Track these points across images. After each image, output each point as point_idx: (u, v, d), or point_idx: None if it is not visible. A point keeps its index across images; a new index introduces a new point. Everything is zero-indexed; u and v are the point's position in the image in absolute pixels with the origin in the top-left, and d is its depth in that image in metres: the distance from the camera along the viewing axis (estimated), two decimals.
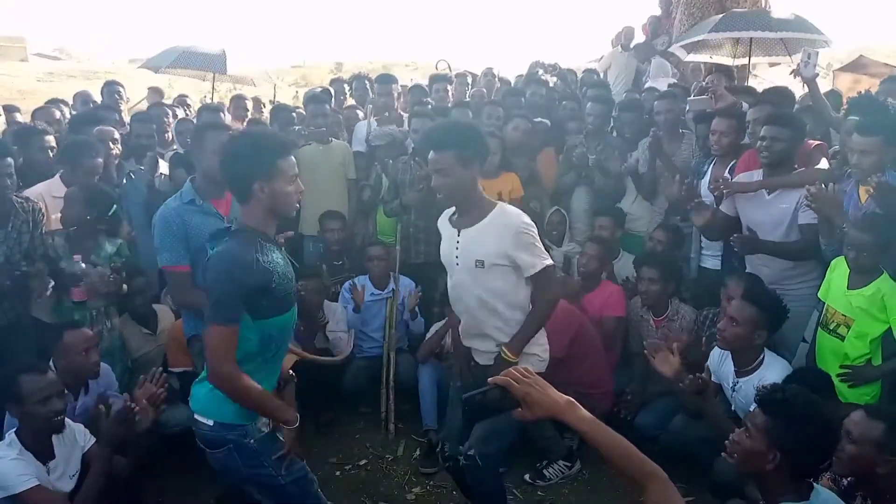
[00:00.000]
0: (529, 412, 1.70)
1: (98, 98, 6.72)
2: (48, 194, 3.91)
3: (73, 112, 6.05)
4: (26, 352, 3.45)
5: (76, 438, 2.96)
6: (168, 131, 5.79)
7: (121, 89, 6.45)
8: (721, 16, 6.37)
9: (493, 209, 2.83)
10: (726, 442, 2.20)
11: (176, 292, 3.40)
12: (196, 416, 2.46)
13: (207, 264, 2.34)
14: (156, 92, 8.14)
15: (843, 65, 10.84)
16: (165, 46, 7.66)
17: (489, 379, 1.78)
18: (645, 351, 3.38)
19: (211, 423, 2.42)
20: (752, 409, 2.23)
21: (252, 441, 2.44)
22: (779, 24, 5.73)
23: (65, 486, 2.81)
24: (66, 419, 2.91)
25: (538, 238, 2.84)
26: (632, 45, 8.66)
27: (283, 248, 2.57)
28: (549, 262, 2.85)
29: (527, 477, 3.82)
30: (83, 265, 3.52)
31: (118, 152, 4.53)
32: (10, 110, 6.83)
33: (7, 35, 28.26)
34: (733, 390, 3.33)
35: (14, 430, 2.78)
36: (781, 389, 2.10)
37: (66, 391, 2.95)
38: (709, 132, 4.24)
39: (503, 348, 2.84)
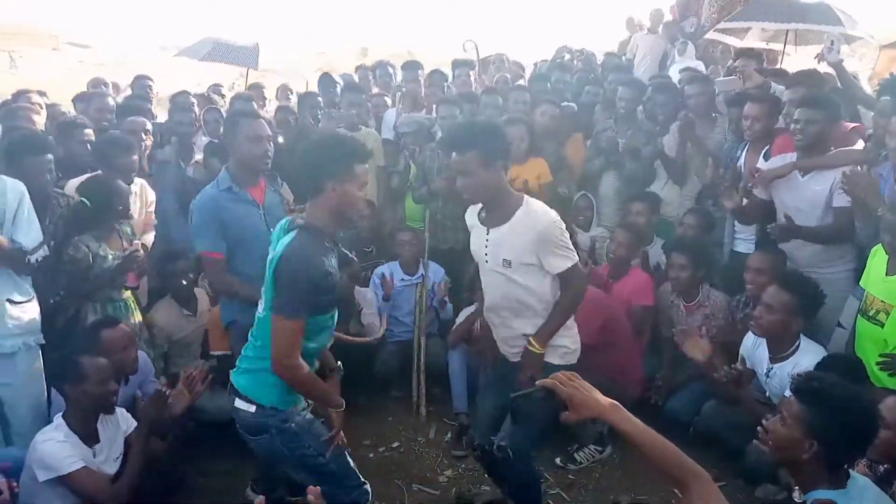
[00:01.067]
0: (575, 414, 1.74)
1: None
2: None
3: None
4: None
5: (119, 423, 3.06)
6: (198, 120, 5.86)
7: (151, 83, 6.56)
8: (757, 3, 6.18)
9: (520, 207, 2.82)
10: (759, 429, 2.21)
11: (212, 278, 3.46)
12: (237, 405, 2.53)
13: (279, 259, 2.37)
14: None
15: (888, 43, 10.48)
16: (194, 33, 7.75)
17: (536, 382, 1.83)
18: (675, 339, 3.38)
19: (253, 409, 2.49)
20: (786, 396, 2.22)
21: (293, 425, 2.52)
22: (818, 16, 5.55)
23: (109, 468, 2.91)
24: None
25: (565, 234, 2.83)
26: (660, 28, 8.54)
27: (337, 247, 2.62)
28: (575, 258, 2.85)
29: (558, 460, 3.85)
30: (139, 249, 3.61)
31: (150, 143, 4.60)
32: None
33: (39, 25, 28.70)
34: (767, 376, 3.32)
35: (61, 413, 2.88)
36: (818, 378, 2.09)
37: None
38: (741, 116, 4.18)
39: (530, 339, 2.87)
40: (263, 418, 2.49)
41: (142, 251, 3.68)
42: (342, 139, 2.58)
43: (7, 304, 3.21)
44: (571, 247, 2.86)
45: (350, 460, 2.72)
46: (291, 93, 8.04)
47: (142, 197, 4.16)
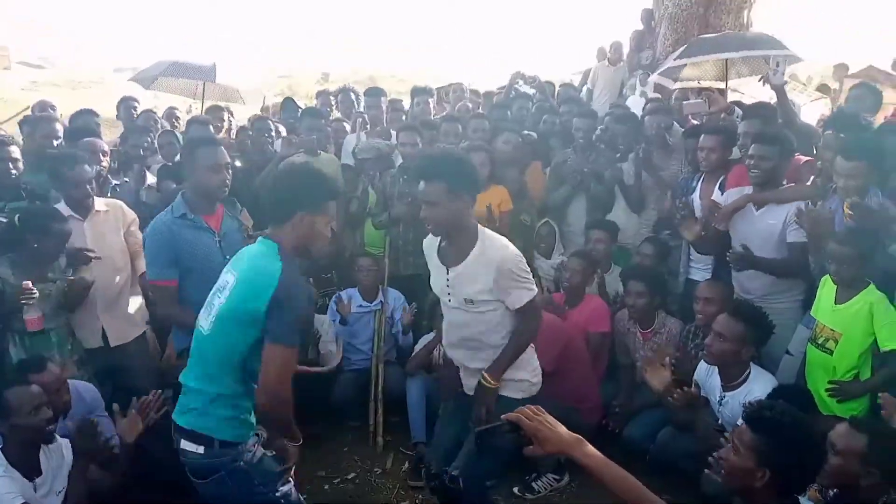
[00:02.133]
0: (540, 448, 1.76)
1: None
2: None
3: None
4: None
5: (63, 453, 2.94)
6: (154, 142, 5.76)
7: (136, 104, 6.45)
8: (692, 42, 6.32)
9: (478, 241, 2.82)
10: (710, 458, 2.23)
11: (161, 306, 3.36)
12: (183, 446, 2.44)
13: (278, 286, 2.30)
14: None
15: (853, 73, 10.84)
16: (150, 56, 7.64)
17: (502, 416, 1.83)
18: (638, 364, 3.40)
19: (201, 450, 2.40)
20: (738, 425, 2.25)
21: (242, 463, 2.44)
22: (751, 43, 5.70)
23: (51, 502, 2.79)
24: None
25: (522, 265, 2.84)
26: (622, 60, 8.74)
27: None
28: (534, 290, 2.87)
29: (515, 490, 3.83)
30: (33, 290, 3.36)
31: (107, 165, 4.50)
32: None
33: None
34: (720, 404, 3.36)
35: (0, 446, 2.75)
36: (769, 407, 2.12)
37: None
38: (697, 147, 4.28)
39: (483, 374, 2.87)
40: (213, 458, 2.41)
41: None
42: (317, 172, 2.55)
43: None
44: (530, 278, 2.87)
45: (299, 495, 2.65)
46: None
47: (118, 219, 3.91)
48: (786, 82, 4.49)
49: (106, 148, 4.54)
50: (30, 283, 3.36)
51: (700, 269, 4.33)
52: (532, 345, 3.01)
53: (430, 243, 3.04)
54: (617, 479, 1.70)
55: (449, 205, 2.74)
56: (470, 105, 7.38)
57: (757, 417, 2.09)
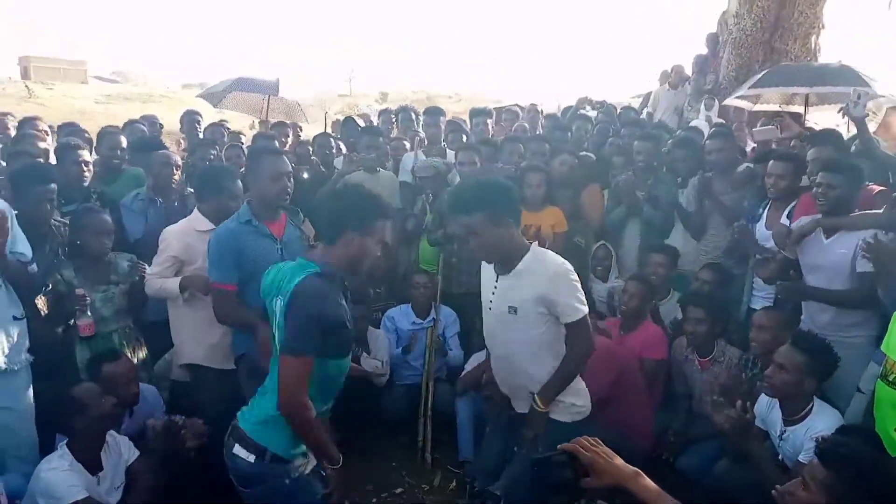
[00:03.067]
0: (597, 480, 1.74)
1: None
2: (191, 230, 3.67)
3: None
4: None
5: (122, 451, 3.05)
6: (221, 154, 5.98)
7: (199, 118, 6.68)
8: (772, 70, 6.17)
9: (527, 254, 2.81)
10: (774, 491, 2.15)
11: (220, 309, 3.42)
12: (235, 451, 2.47)
13: (291, 295, 2.37)
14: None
15: None
16: (216, 71, 7.93)
17: (559, 446, 1.81)
18: (697, 393, 3.30)
19: (252, 458, 2.44)
20: (804, 460, 2.17)
21: (288, 481, 2.47)
22: (831, 77, 5.49)
23: (112, 497, 2.90)
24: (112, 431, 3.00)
25: (576, 282, 2.80)
26: (686, 84, 8.66)
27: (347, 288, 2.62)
28: (586, 310, 2.82)
29: None
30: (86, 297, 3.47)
31: (178, 177, 4.66)
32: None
33: (69, 58, 29.56)
34: (781, 439, 3.24)
35: (65, 442, 2.87)
36: (844, 443, 2.04)
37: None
38: (765, 173, 4.18)
39: (535, 397, 2.84)
40: (261, 469, 2.44)
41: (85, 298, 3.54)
42: (372, 196, 2.61)
43: (12, 320, 3.25)
44: (583, 297, 2.83)
45: None
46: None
47: None
48: (866, 115, 4.36)
49: (178, 161, 4.70)
50: (82, 291, 3.48)
51: (762, 298, 4.20)
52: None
53: None
54: None
55: (493, 232, 2.75)
56: (527, 125, 7.42)
57: (831, 453, 2.00)
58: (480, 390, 4.23)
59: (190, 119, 6.72)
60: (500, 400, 3.17)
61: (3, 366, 3.18)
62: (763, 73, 5.76)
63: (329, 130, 8.80)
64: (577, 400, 2.93)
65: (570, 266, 2.82)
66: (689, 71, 8.73)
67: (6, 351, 3.18)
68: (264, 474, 2.45)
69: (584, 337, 2.83)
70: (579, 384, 2.96)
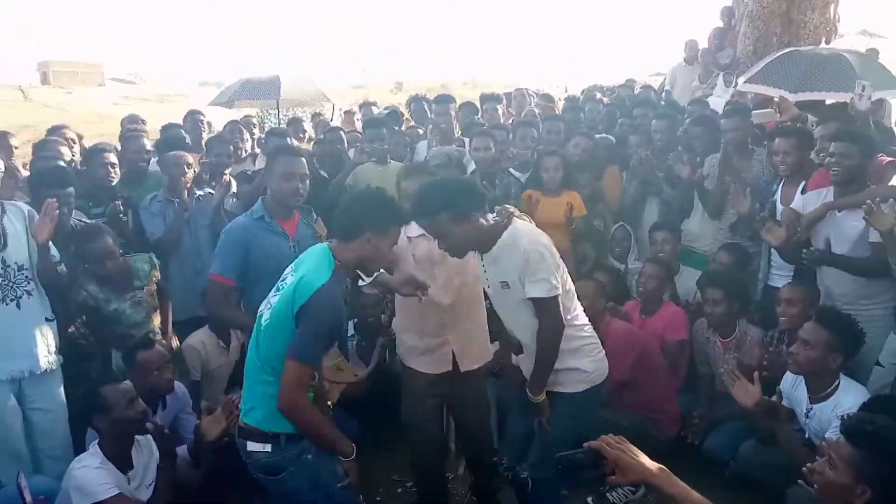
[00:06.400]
0: (622, 477, 1.77)
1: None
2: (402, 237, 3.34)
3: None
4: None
5: (152, 449, 3.10)
6: (242, 150, 6.07)
7: (202, 118, 6.76)
8: (776, 62, 5.77)
9: (505, 231, 2.84)
10: (804, 469, 2.12)
11: (212, 302, 3.42)
12: (249, 448, 2.52)
13: (309, 302, 2.40)
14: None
15: None
16: (231, 69, 8.12)
17: (584, 444, 1.84)
18: (719, 373, 3.29)
19: (268, 448, 2.49)
20: (831, 437, 2.14)
21: (309, 456, 2.52)
22: (820, 80, 4.90)
23: (142, 495, 2.94)
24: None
25: (545, 259, 2.77)
26: (698, 59, 8.50)
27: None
28: (554, 291, 2.77)
29: (589, 500, 3.74)
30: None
31: (191, 176, 4.69)
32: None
33: (86, 61, 29.93)
34: (807, 416, 3.21)
35: (96, 441, 2.93)
36: (870, 420, 1.99)
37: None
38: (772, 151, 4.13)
39: (528, 391, 2.88)
40: (280, 455, 2.49)
41: None
42: (391, 201, 2.70)
43: (45, 322, 3.35)
44: (552, 277, 2.77)
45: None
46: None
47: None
48: (872, 108, 4.28)
49: (191, 160, 4.73)
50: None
51: (781, 276, 4.15)
52: (590, 331, 3.00)
53: None
54: None
55: (458, 230, 2.78)
56: (537, 111, 7.36)
57: (857, 431, 1.97)
58: (498, 377, 4.25)
59: (193, 119, 6.74)
60: (515, 377, 3.18)
61: (45, 367, 3.30)
62: (763, 63, 5.41)
63: (339, 123, 8.83)
64: (580, 363, 2.90)
65: (543, 241, 2.82)
66: (703, 43, 8.55)
67: (46, 352, 3.32)
68: (285, 459, 2.50)
69: (549, 316, 2.80)
70: (588, 349, 2.95)
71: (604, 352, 3.04)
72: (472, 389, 3.48)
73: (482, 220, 2.84)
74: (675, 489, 1.74)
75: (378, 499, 3.89)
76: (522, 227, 2.88)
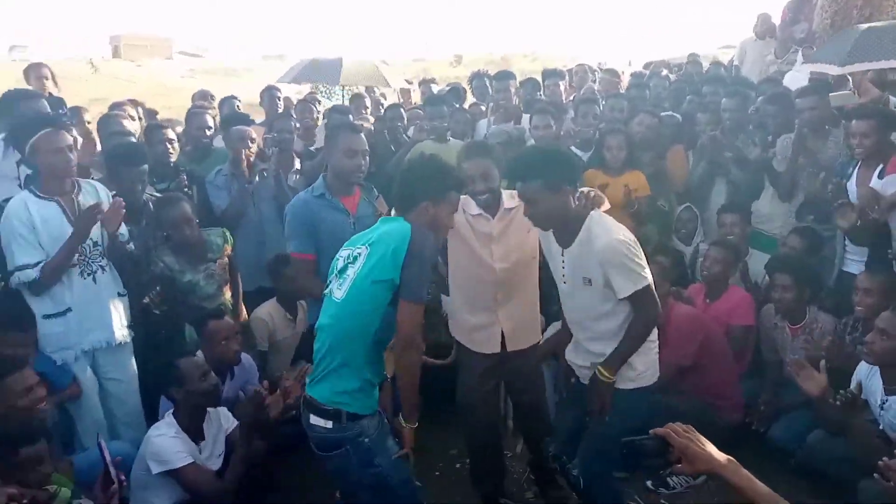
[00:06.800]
0: (689, 467, 1.74)
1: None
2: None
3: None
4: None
5: (221, 421, 3.22)
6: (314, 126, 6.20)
7: (279, 93, 6.88)
8: (865, 36, 5.40)
9: (584, 226, 2.77)
10: (880, 464, 2.07)
11: (300, 278, 3.52)
12: (312, 421, 2.57)
13: (411, 238, 2.50)
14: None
15: None
16: (294, 44, 8.30)
17: (650, 431, 1.81)
18: (786, 361, 3.22)
19: (330, 424, 2.53)
20: None
21: (367, 440, 2.55)
22: None
23: (213, 465, 3.07)
24: None
25: (629, 254, 2.69)
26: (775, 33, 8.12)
27: None
28: (645, 282, 2.72)
29: (649, 483, 3.73)
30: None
31: (254, 151, 4.78)
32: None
33: (155, 34, 30.77)
34: (881, 408, 3.11)
35: (171, 411, 3.06)
36: None
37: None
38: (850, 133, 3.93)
39: (598, 367, 2.80)
40: (340, 433, 2.53)
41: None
42: (442, 164, 2.73)
43: (117, 296, 3.51)
44: (640, 268, 2.72)
45: (416, 485, 2.74)
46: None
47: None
48: None
49: (254, 134, 4.81)
50: None
51: (856, 261, 4.00)
52: (652, 336, 2.91)
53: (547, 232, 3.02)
54: (770, 501, 1.66)
55: (549, 200, 2.73)
56: (597, 88, 7.20)
57: None
58: (558, 359, 4.24)
59: (270, 95, 6.86)
60: (568, 369, 3.16)
61: (120, 339, 3.46)
62: (852, 40, 5.04)
63: (398, 99, 8.86)
64: (638, 364, 2.84)
65: (622, 238, 2.72)
66: (777, 18, 8.17)
67: (120, 325, 3.47)
68: (344, 438, 2.54)
69: (644, 307, 2.75)
70: (646, 352, 2.88)
71: (658, 354, 2.96)
72: (526, 368, 3.48)
73: (571, 197, 2.81)
74: (743, 481, 1.70)
75: (437, 473, 3.95)
76: (602, 223, 2.79)
